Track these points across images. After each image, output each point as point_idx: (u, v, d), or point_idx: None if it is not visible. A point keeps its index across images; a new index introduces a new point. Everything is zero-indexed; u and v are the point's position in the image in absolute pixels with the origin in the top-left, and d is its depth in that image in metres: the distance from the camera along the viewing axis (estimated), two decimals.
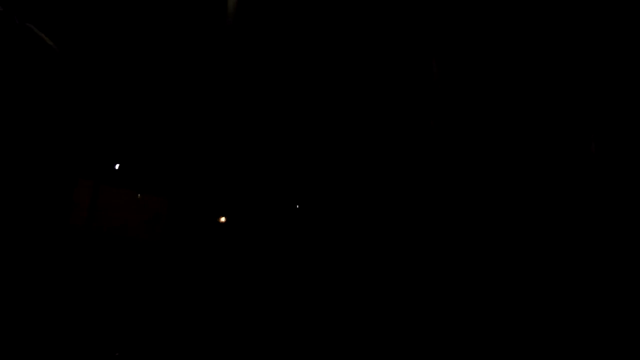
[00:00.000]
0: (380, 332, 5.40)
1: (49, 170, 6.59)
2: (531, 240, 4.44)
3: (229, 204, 6.77)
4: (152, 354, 4.84)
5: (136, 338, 5.00)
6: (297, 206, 6.79)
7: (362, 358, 5.14)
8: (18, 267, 5.52)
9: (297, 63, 6.80)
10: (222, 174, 6.75)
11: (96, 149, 6.70)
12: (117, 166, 6.66)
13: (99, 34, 6.79)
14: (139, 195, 6.62)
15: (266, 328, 5.61)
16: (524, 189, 4.85)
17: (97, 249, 6.63)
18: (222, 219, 6.67)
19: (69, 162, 6.56)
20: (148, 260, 6.35)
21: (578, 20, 4.89)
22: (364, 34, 6.73)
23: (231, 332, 5.47)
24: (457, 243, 5.19)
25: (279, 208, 6.81)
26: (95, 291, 5.75)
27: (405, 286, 5.92)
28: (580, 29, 4.84)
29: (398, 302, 5.80)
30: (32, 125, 6.63)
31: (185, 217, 6.57)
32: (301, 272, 6.82)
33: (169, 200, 6.71)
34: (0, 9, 5.11)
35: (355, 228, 6.75)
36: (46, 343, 4.53)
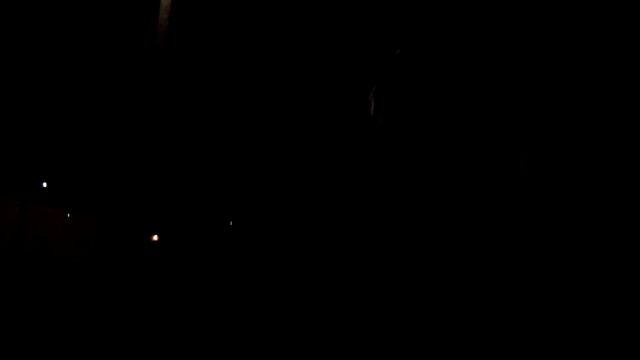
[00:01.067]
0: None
1: None
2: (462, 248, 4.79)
3: (161, 221, 6.80)
4: None
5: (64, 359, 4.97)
6: (231, 222, 6.92)
7: None
8: None
9: (235, 80, 6.94)
10: (153, 191, 6.77)
11: (23, 167, 6.54)
12: (44, 184, 6.52)
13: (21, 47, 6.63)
14: (68, 214, 6.52)
15: (200, 348, 5.71)
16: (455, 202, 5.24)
17: (23, 269, 6.46)
18: (155, 237, 6.68)
19: None
20: (77, 281, 6.27)
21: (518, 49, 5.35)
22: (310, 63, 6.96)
23: (163, 352, 5.52)
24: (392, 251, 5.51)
25: (215, 224, 6.92)
26: (19, 313, 5.65)
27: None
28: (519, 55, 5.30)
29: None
30: None
31: (116, 235, 6.58)
32: (236, 287, 6.93)
33: (99, 218, 6.65)
34: None
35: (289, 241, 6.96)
36: None
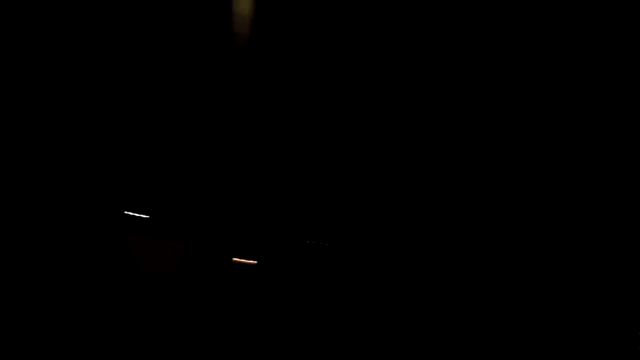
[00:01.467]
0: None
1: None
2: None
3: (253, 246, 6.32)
4: None
5: None
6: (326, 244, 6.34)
7: None
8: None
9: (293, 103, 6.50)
10: (241, 214, 6.33)
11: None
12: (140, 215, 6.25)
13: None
14: (155, 241, 6.19)
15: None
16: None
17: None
18: (252, 262, 6.19)
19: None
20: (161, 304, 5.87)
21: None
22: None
23: None
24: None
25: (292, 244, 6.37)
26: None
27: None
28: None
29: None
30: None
31: (202, 262, 6.17)
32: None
33: (185, 245, 6.26)
34: None
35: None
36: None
